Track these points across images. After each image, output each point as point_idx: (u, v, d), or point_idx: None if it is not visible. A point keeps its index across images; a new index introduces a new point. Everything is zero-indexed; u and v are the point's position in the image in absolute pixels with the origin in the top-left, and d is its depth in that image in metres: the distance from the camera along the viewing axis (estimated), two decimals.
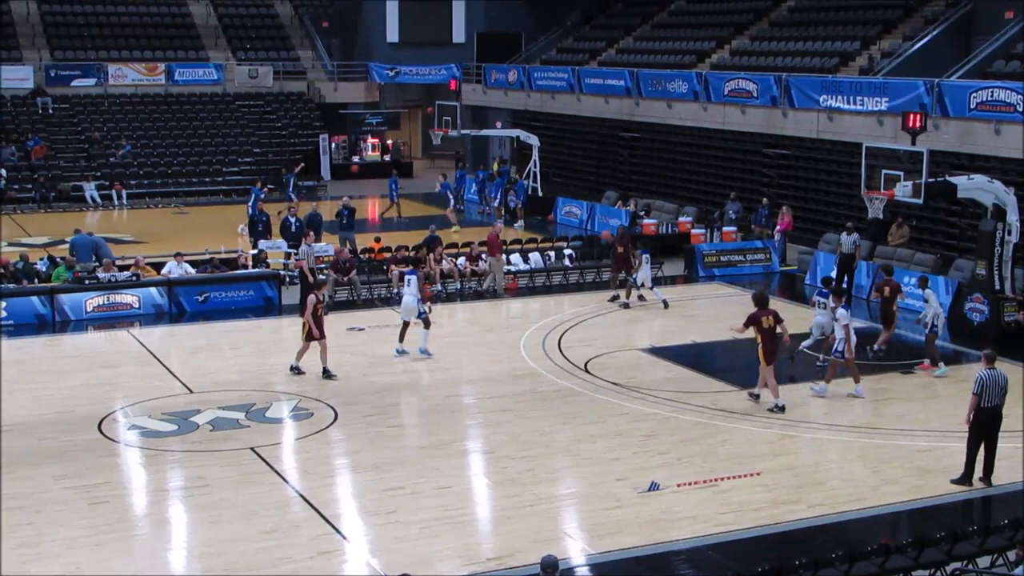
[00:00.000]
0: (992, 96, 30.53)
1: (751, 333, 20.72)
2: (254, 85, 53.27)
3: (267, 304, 28.76)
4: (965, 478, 17.12)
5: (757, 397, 20.92)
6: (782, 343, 20.93)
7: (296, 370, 22.77)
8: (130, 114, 51.04)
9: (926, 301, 22.64)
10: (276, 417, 20.54)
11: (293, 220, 33.02)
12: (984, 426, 17.01)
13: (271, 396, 21.61)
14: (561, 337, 25.79)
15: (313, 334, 22.50)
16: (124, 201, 45.08)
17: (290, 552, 14.95)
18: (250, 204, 37.10)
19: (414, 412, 20.64)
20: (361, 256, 31.79)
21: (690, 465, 18.17)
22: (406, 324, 24.26)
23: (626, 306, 28.15)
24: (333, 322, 27.19)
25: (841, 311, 21.77)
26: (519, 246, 33.47)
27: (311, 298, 22.67)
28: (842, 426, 20.05)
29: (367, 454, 18.65)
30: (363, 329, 26.60)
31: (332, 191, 47.45)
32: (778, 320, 20.60)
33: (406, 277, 24.25)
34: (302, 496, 16.88)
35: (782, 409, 20.34)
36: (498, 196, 42.89)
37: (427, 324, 23.88)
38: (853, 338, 21.40)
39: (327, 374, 22.55)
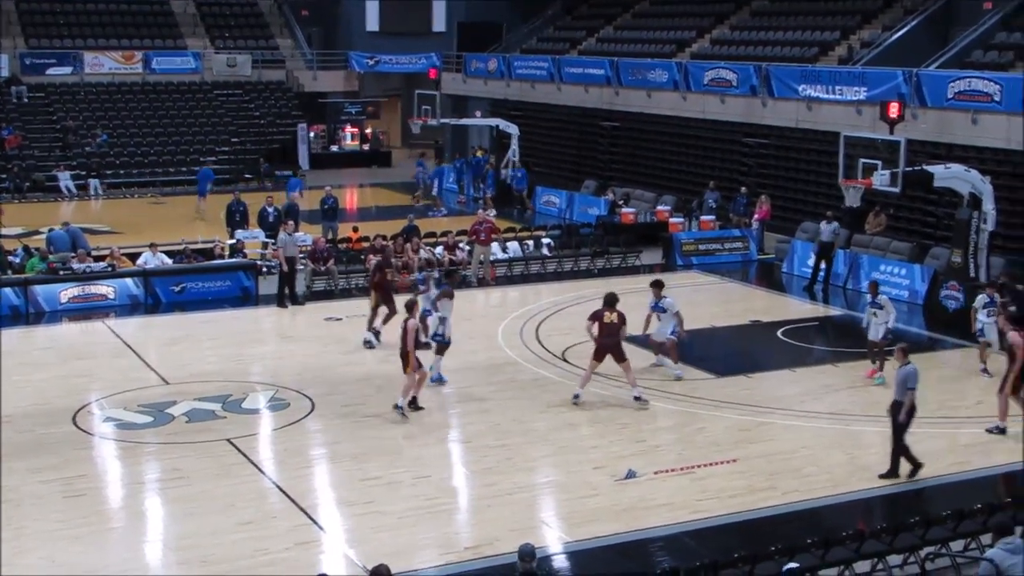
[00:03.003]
0: (970, 86, 30.63)
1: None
2: (232, 74, 53.08)
3: (244, 294, 28.65)
4: (914, 470, 17.16)
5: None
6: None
7: (411, 406, 20.05)
8: (107, 103, 50.78)
9: (881, 307, 22.31)
10: (253, 408, 20.49)
11: (271, 210, 32.93)
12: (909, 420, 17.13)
13: (247, 387, 21.54)
14: (539, 326, 25.80)
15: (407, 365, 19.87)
16: (100, 191, 44.85)
17: (267, 544, 14.92)
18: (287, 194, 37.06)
19: (391, 402, 20.55)
20: (339, 246, 31.72)
21: (667, 453, 18.22)
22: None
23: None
24: (311, 312, 27.26)
25: (668, 301, 21.99)
26: (498, 235, 33.45)
27: (412, 323, 19.80)
28: (818, 413, 20.11)
29: (344, 444, 18.62)
30: (340, 319, 26.55)
31: (311, 181, 47.22)
32: (622, 322, 20.40)
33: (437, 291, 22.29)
34: (279, 487, 16.85)
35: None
36: (488, 185, 42.89)
37: (439, 349, 21.39)
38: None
39: (416, 406, 20.15)
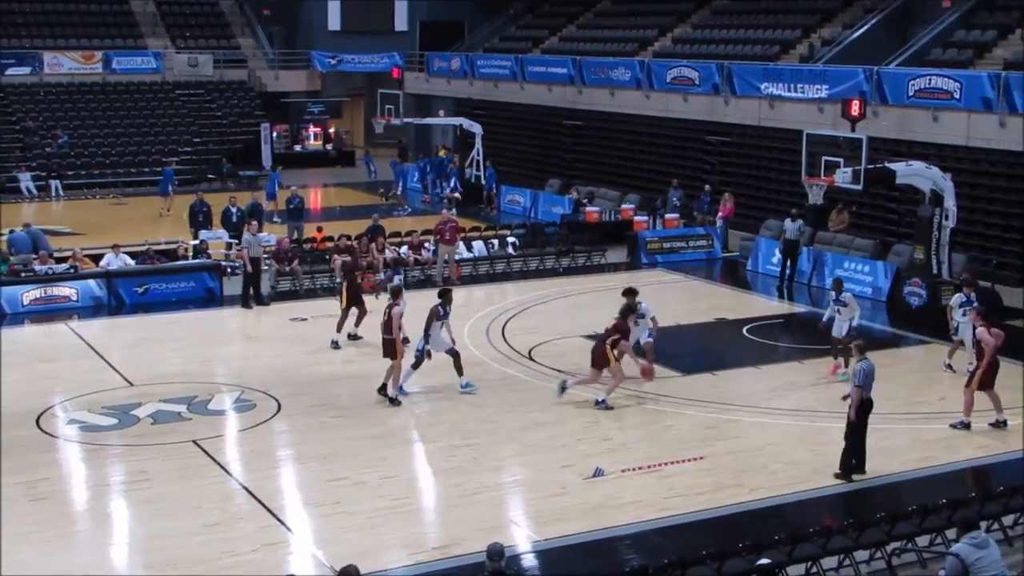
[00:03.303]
0: (930, 84, 30.85)
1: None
2: (194, 74, 52.71)
3: (208, 295, 28.50)
4: (846, 472, 17.14)
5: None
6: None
7: (400, 394, 20.69)
8: (66, 103, 50.36)
9: (845, 305, 22.29)
10: (218, 409, 20.39)
11: (234, 210, 32.79)
12: (865, 418, 17.09)
13: (213, 388, 21.45)
14: (505, 325, 25.81)
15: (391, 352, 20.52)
16: (60, 192, 44.51)
17: (234, 545, 14.85)
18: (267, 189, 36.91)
19: (358, 402, 20.52)
20: (304, 246, 31.63)
21: (634, 451, 18.26)
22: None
23: None
24: (276, 312, 27.16)
25: (644, 306, 21.93)
26: (463, 234, 33.42)
27: (397, 310, 20.46)
28: (783, 410, 20.21)
29: (311, 445, 18.56)
30: (306, 319, 26.47)
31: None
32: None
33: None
34: (246, 488, 16.78)
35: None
36: (453, 184, 42.87)
37: (417, 362, 21.13)
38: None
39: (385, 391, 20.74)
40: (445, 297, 21.22)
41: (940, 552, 13.66)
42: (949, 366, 22.24)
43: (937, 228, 26.46)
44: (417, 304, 24.48)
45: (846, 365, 21.78)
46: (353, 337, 24.50)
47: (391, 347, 20.50)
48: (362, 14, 57.49)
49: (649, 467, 17.51)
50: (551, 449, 18.39)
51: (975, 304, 21.56)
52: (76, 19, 53.79)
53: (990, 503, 14.88)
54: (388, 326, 20.51)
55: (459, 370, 21.06)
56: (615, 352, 20.10)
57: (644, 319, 21.94)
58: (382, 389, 20.66)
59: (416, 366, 21.05)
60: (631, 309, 20.95)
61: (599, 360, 20.28)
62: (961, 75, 30.51)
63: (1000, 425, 19.05)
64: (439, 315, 20.94)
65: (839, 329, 22.18)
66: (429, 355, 20.98)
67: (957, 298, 22.40)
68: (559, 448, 18.40)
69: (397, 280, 24.06)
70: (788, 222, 30.20)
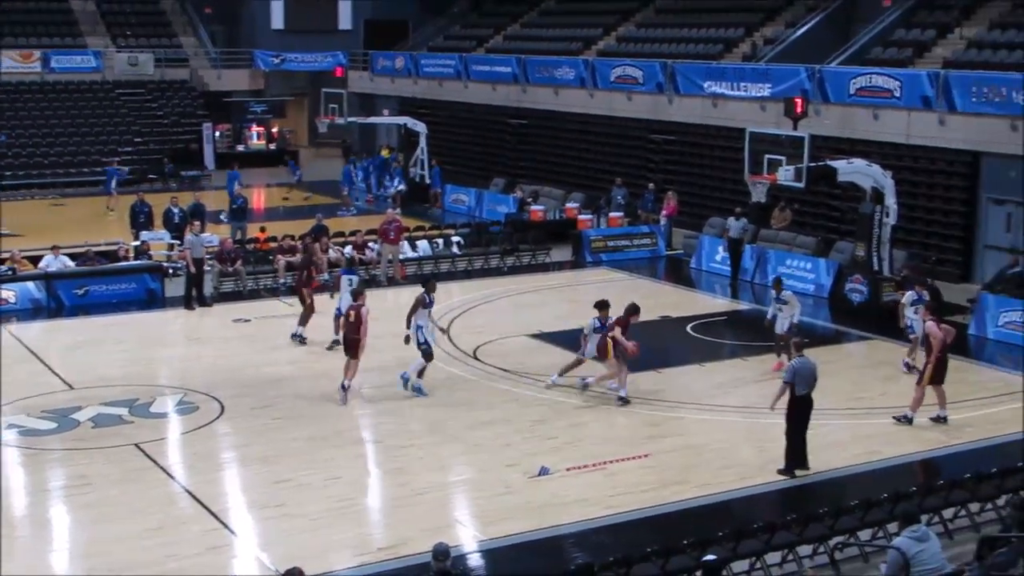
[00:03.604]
0: (871, 82, 31.16)
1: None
2: (135, 73, 52.16)
3: (150, 297, 28.21)
4: (789, 468, 17.22)
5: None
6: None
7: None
8: (4, 103, 49.58)
9: (786, 303, 22.44)
10: (161, 412, 20.19)
11: (176, 210, 32.49)
12: (801, 414, 17.14)
13: (155, 390, 21.25)
14: (450, 324, 25.74)
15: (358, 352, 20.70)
16: None
17: (177, 549, 14.72)
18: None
19: (302, 403, 20.41)
20: (247, 246, 31.42)
21: (579, 449, 18.27)
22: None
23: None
24: (219, 313, 26.96)
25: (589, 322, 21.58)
26: (407, 233, 33.33)
27: (364, 310, 20.73)
28: (728, 407, 20.31)
29: (255, 447, 18.44)
30: (249, 320, 26.29)
31: (216, 181, 46.75)
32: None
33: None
34: (189, 492, 16.64)
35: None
36: (397, 183, 42.76)
37: (426, 356, 20.94)
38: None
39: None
40: (429, 285, 21.22)
41: (882, 546, 13.79)
42: (908, 364, 22.28)
43: (878, 225, 26.70)
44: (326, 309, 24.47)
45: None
46: (296, 336, 24.40)
47: (355, 345, 20.60)
48: (306, 13, 57.21)
49: (594, 465, 17.53)
50: (496, 448, 18.37)
51: (925, 300, 21.84)
52: (14, 17, 52.98)
53: (931, 496, 15.04)
54: (356, 327, 20.55)
55: (421, 372, 20.93)
56: (616, 345, 20.31)
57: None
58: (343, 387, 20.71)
59: (430, 358, 20.94)
60: (635, 309, 21.01)
61: (602, 353, 20.66)
62: (901, 74, 30.85)
63: (940, 420, 19.23)
64: (424, 303, 20.95)
65: (781, 326, 22.33)
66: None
67: (909, 296, 22.54)
68: (504, 447, 18.39)
69: (347, 280, 23.97)
70: (732, 220, 30.35)
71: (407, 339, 21.04)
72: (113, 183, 40.77)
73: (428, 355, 20.94)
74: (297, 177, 45.76)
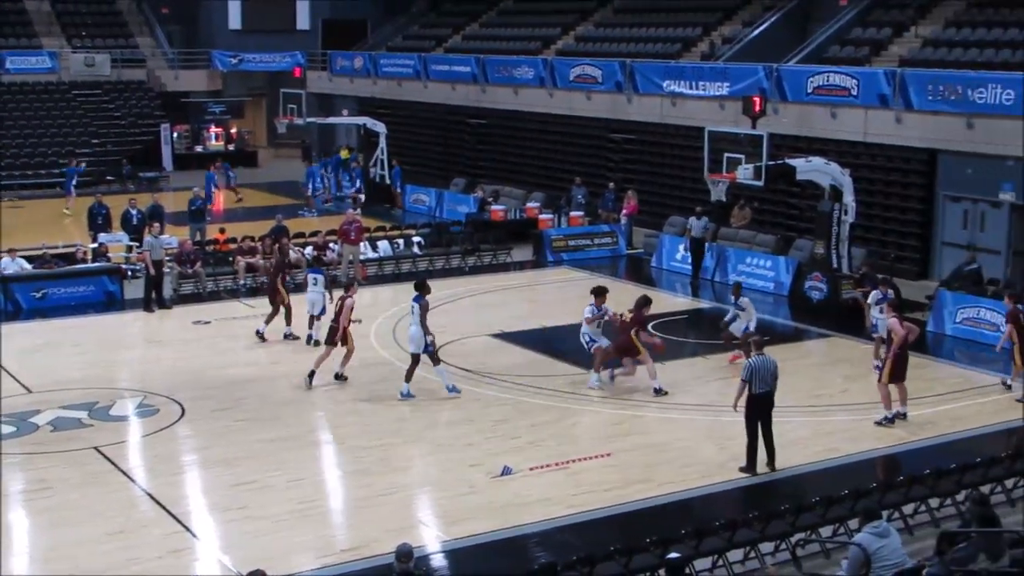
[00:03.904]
0: (828, 81, 31.36)
1: None
2: (91, 74, 51.68)
3: (109, 299, 28.02)
4: (750, 466, 17.28)
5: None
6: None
7: (337, 378, 21.64)
8: None
9: (743, 309, 22.61)
10: (121, 415, 20.06)
11: (134, 212, 32.31)
12: (759, 412, 17.21)
13: (115, 393, 21.10)
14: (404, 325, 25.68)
15: (341, 340, 21.45)
16: None
17: (139, 552, 14.64)
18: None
19: (263, 405, 20.34)
20: (206, 248, 31.26)
21: (542, 448, 18.28)
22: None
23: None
24: (179, 315, 26.82)
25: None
26: (367, 234, 33.26)
27: (350, 302, 21.42)
28: (689, 405, 20.38)
29: (216, 449, 18.35)
30: (209, 322, 26.16)
31: (175, 182, 46.50)
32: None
33: (411, 304, 21.07)
34: (150, 495, 16.54)
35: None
36: (357, 184, 42.66)
37: (434, 358, 20.98)
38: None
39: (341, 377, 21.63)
40: (425, 288, 21.10)
41: (843, 542, 13.87)
42: (879, 366, 22.34)
43: (837, 223, 26.86)
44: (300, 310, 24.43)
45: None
46: (260, 335, 24.44)
47: (333, 334, 21.41)
48: (263, 13, 56.97)
49: (557, 464, 17.56)
50: (459, 448, 18.37)
51: (890, 299, 22.02)
52: None
53: (891, 493, 15.16)
54: (338, 316, 21.39)
55: (409, 375, 20.80)
56: (640, 339, 20.84)
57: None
58: (310, 375, 21.35)
59: (437, 362, 20.90)
60: (647, 301, 21.43)
61: (630, 351, 20.98)
62: (858, 72, 31.06)
63: (901, 417, 19.36)
64: (426, 306, 20.85)
65: (738, 328, 22.48)
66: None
67: (874, 295, 22.65)
68: (467, 447, 18.39)
69: (312, 278, 24.14)
70: (694, 220, 30.44)
71: (431, 342, 20.89)
72: (72, 183, 40.46)
73: (436, 358, 20.87)
74: (231, 181, 45.19)
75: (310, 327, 24.30)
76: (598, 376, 21.36)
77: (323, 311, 23.94)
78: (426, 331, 20.63)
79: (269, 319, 24.52)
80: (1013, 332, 20.52)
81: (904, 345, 19.15)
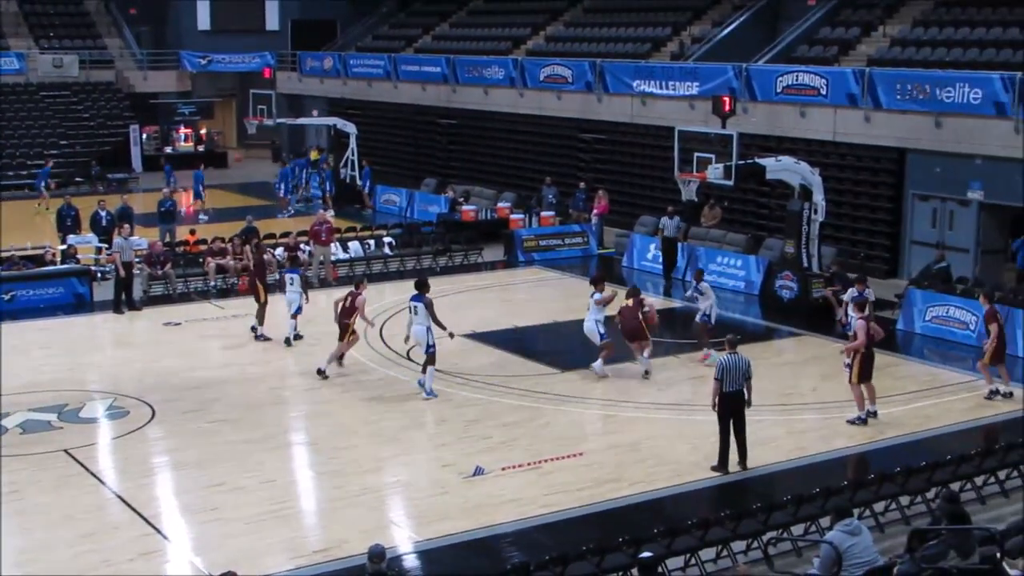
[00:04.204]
0: (797, 80, 31.49)
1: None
2: (59, 75, 51.40)
3: (78, 301, 27.86)
4: (721, 465, 17.34)
5: None
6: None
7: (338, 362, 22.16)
8: None
9: (702, 294, 23.16)
10: (90, 417, 19.97)
11: (103, 213, 32.15)
12: (730, 411, 17.27)
13: (85, 396, 20.99)
14: (383, 326, 25.66)
15: (342, 335, 21.92)
16: None
17: (110, 555, 14.58)
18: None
19: (235, 406, 20.27)
20: (176, 249, 31.13)
21: (514, 448, 18.30)
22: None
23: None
24: (149, 317, 26.69)
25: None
26: (338, 235, 33.19)
27: (361, 299, 21.86)
28: (661, 405, 20.43)
29: (187, 451, 18.28)
30: (179, 323, 26.06)
31: (144, 183, 46.28)
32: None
33: (411, 304, 21.17)
34: (120, 497, 16.47)
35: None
36: (328, 185, 42.57)
37: (431, 359, 20.89)
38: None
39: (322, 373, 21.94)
40: (426, 287, 21.22)
41: (814, 540, 13.93)
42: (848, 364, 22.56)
43: (807, 222, 26.95)
44: (280, 309, 24.40)
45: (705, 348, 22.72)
46: (258, 334, 24.63)
47: (345, 329, 21.79)
48: (232, 13, 56.78)
49: (529, 464, 17.57)
50: (431, 449, 18.37)
51: (867, 298, 22.16)
52: None
53: (862, 491, 15.23)
54: (349, 312, 21.68)
55: (431, 363, 20.99)
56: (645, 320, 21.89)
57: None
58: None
59: (432, 362, 20.88)
60: (636, 291, 22.50)
61: (639, 335, 21.87)
62: (827, 71, 31.20)
63: (871, 415, 19.45)
64: (429, 304, 20.91)
65: (698, 316, 22.94)
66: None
67: (850, 293, 22.79)
68: (439, 447, 18.39)
69: (289, 278, 24.22)
70: (666, 219, 30.48)
71: (451, 335, 21.42)
72: (43, 183, 40.28)
73: (433, 358, 20.85)
74: (172, 185, 44.88)
75: (294, 328, 24.43)
76: (602, 361, 21.94)
77: (299, 310, 24.17)
78: (441, 327, 20.95)
79: (260, 317, 24.63)
80: (995, 331, 20.51)
81: (869, 346, 19.24)
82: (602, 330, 22.04)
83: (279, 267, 28.54)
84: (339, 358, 22.18)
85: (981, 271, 27.64)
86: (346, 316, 21.73)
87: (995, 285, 25.35)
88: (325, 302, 26.50)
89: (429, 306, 20.77)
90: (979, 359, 20.88)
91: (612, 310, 22.60)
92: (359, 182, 42.40)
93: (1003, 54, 29.64)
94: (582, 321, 24.20)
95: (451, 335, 21.37)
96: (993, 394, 20.50)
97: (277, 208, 41.12)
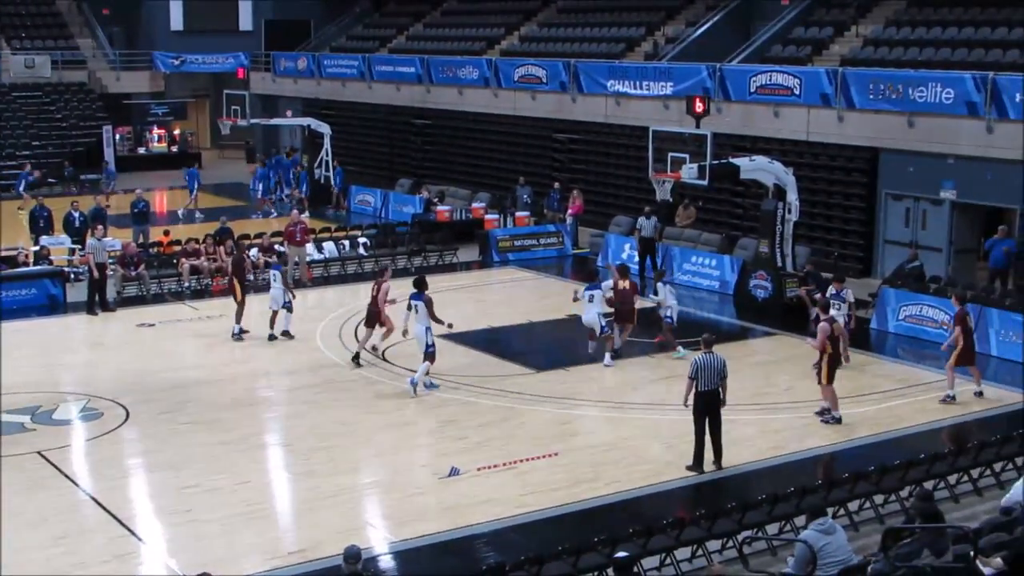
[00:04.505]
0: (771, 80, 31.57)
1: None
2: (31, 75, 51.11)
3: (51, 303, 27.71)
4: (697, 464, 17.37)
5: None
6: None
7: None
8: None
9: (655, 293, 23.94)
10: (64, 419, 19.88)
11: (76, 215, 32.00)
12: (706, 410, 17.29)
13: (58, 397, 20.89)
14: (358, 326, 25.61)
15: (378, 321, 22.80)
16: None
17: (84, 558, 14.53)
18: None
19: (210, 407, 20.21)
20: (150, 250, 31.01)
21: (489, 449, 18.30)
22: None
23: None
24: (123, 318, 26.59)
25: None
26: (313, 235, 33.12)
27: (386, 286, 22.70)
28: (636, 404, 20.45)
29: (161, 452, 18.21)
30: (153, 325, 25.96)
31: (117, 184, 46.05)
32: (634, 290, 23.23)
33: (411, 303, 21.36)
34: (94, 499, 16.40)
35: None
36: (303, 185, 42.50)
37: (431, 359, 21.12)
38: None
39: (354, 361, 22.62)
40: (424, 285, 21.55)
41: (789, 539, 13.98)
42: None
43: (781, 222, 27.02)
44: (265, 306, 24.39)
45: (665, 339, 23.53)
46: (243, 332, 24.63)
47: (375, 316, 22.62)
48: (205, 14, 56.57)
49: (504, 465, 17.57)
50: (407, 449, 18.36)
51: (845, 298, 22.24)
52: None
53: (836, 490, 15.28)
54: (375, 299, 22.52)
55: (427, 372, 21.18)
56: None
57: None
58: (355, 357, 22.59)
59: (432, 360, 21.14)
60: (627, 269, 23.73)
61: (630, 319, 23.14)
62: (800, 71, 31.29)
63: (824, 413, 19.51)
64: (430, 302, 21.22)
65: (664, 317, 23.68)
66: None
67: (829, 292, 22.86)
68: (414, 448, 18.39)
69: (272, 274, 24.42)
70: (643, 219, 30.47)
71: (450, 325, 21.79)
72: (23, 185, 40.30)
73: (432, 357, 21.06)
74: (110, 187, 44.61)
75: (271, 327, 24.51)
76: (610, 355, 22.75)
77: (288, 306, 24.50)
78: (440, 322, 21.24)
79: (239, 316, 24.66)
80: (960, 334, 20.60)
81: (836, 346, 19.31)
82: (603, 322, 22.55)
83: (255, 267, 28.52)
84: (374, 346, 23.13)
85: (954, 270, 27.79)
86: (374, 304, 22.54)
87: (968, 284, 25.50)
88: (299, 303, 26.50)
89: (429, 304, 21.02)
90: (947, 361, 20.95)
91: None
92: (333, 183, 42.31)
93: (975, 54, 29.81)
94: (558, 321, 24.34)
95: (449, 326, 21.66)
96: (949, 398, 20.47)
97: (253, 209, 40.98)
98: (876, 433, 19.10)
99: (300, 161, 44.60)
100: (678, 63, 35.27)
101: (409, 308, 21.41)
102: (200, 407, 20.27)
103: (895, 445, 18.42)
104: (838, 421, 19.33)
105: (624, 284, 22.92)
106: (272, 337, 24.40)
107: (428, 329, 20.98)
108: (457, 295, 28.66)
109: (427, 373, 21.09)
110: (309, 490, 16.77)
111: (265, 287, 25.62)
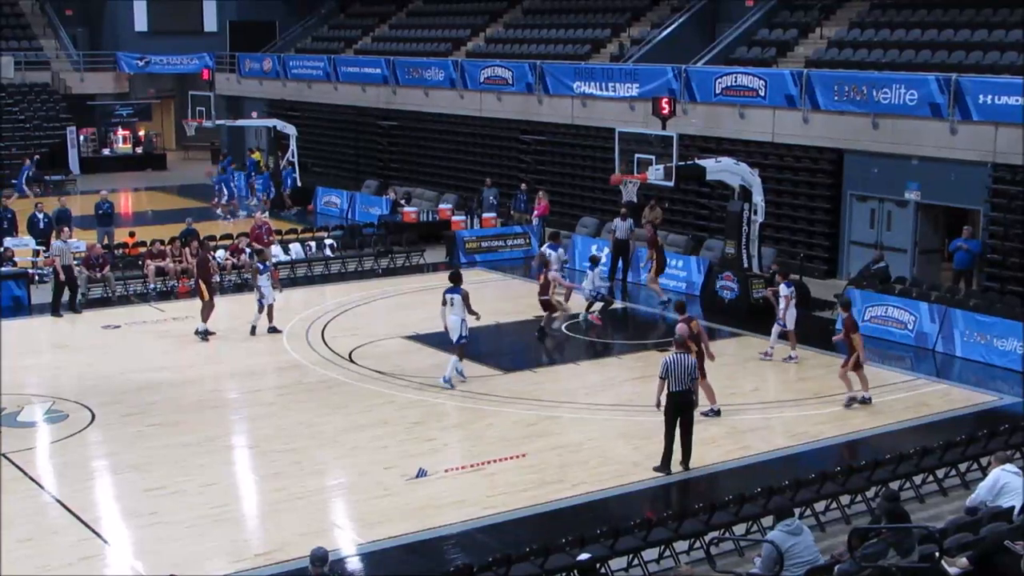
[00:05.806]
0: (736, 81, 31.68)
1: None
2: None
3: (15, 304, 27.51)
4: (664, 465, 17.35)
5: None
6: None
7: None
8: None
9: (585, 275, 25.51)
10: (29, 421, 19.74)
11: (41, 216, 31.78)
12: (675, 410, 17.29)
13: (23, 399, 20.73)
14: (325, 327, 25.58)
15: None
16: None
17: (49, 560, 14.43)
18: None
19: (175, 409, 20.11)
20: (115, 252, 30.84)
21: (457, 450, 18.31)
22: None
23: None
24: (88, 320, 26.43)
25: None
26: (279, 237, 33.02)
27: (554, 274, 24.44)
28: (603, 405, 20.48)
29: (127, 454, 18.11)
30: (119, 326, 25.81)
31: (82, 185, 45.82)
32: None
33: (447, 296, 21.52)
34: (59, 501, 16.29)
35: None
36: (268, 187, 42.38)
37: (461, 351, 21.50)
38: None
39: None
40: (459, 279, 21.79)
41: (756, 540, 14.00)
42: (792, 357, 23.00)
43: (747, 223, 27.11)
44: (237, 308, 24.27)
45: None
46: (208, 333, 24.60)
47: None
48: (170, 14, 56.41)
49: (472, 466, 17.57)
50: (373, 451, 18.31)
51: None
52: None
53: (803, 490, 15.34)
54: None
55: (461, 356, 21.58)
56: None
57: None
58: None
59: (462, 354, 21.50)
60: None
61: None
62: (765, 73, 31.44)
63: (712, 415, 19.55)
64: (466, 295, 21.48)
65: (586, 290, 25.28)
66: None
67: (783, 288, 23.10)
68: (381, 450, 18.34)
69: (263, 271, 24.52)
70: (618, 221, 30.43)
71: (477, 316, 21.77)
72: (23, 179, 40.75)
73: (463, 349, 21.40)
74: (19, 190, 44.37)
75: (270, 320, 24.95)
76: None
77: (261, 305, 24.80)
78: (475, 315, 21.54)
79: (205, 315, 24.63)
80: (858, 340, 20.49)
81: (699, 344, 19.40)
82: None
83: (221, 270, 28.45)
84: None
85: (919, 271, 27.97)
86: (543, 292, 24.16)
87: (933, 285, 25.69)
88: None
89: (466, 297, 21.34)
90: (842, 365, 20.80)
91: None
92: (289, 183, 42.15)
93: (938, 55, 30.01)
94: (525, 322, 24.35)
95: (477, 316, 21.78)
96: (852, 401, 20.53)
97: (213, 208, 40.79)
98: (842, 433, 19.19)
99: (266, 162, 44.41)
100: (644, 64, 35.35)
101: (444, 302, 21.51)
102: (166, 409, 20.16)
103: (861, 445, 18.52)
104: (716, 414, 19.53)
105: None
106: (272, 330, 24.83)
107: (463, 321, 21.23)
108: (424, 296, 28.60)
109: (461, 359, 21.47)
110: (276, 492, 16.71)
111: (231, 289, 25.52)
